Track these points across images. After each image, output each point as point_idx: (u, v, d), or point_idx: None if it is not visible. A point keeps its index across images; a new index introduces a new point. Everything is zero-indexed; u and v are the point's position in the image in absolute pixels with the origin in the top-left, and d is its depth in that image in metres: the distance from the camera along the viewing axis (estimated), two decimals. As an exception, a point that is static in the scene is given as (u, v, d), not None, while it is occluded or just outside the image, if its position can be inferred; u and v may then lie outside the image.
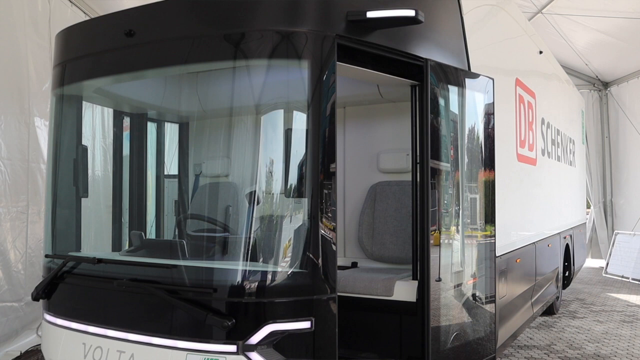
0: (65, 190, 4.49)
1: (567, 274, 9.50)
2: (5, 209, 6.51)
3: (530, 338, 7.84)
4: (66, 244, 4.42)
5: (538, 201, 7.46)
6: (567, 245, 9.03)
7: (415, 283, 4.25)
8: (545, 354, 7.10)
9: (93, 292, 3.88)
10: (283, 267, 3.46)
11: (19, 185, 6.76)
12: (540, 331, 8.18)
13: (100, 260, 3.79)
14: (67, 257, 4.00)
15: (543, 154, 7.40)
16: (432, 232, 4.08)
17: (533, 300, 7.54)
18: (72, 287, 4.00)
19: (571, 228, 9.27)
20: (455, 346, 4.38)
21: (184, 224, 4.38)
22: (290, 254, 3.49)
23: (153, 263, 3.78)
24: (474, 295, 4.62)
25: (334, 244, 3.54)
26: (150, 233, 4.71)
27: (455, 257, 4.44)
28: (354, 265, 5.21)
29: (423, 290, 4.13)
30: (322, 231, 3.46)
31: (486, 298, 4.80)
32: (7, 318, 6.54)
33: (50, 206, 4.43)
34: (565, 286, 9.69)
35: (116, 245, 4.62)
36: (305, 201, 3.46)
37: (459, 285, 4.48)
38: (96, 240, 4.64)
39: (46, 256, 4.22)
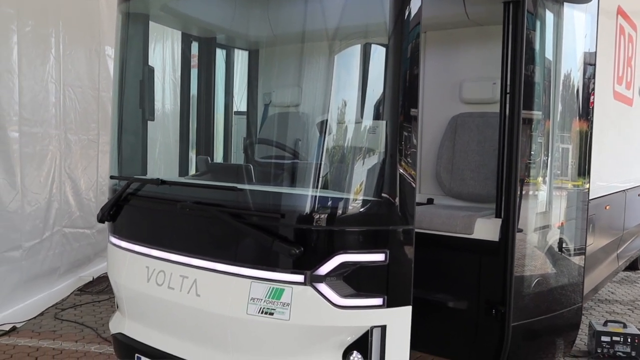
0: (131, 113, 4.33)
1: (656, 228, 8.87)
2: (76, 137, 6.51)
3: (612, 292, 7.41)
4: (132, 167, 4.29)
5: (632, 145, 6.88)
6: (660, 196, 8.36)
7: (499, 221, 3.89)
8: (629, 309, 6.69)
9: (157, 215, 3.74)
10: (357, 194, 3.18)
11: (89, 114, 6.74)
12: (622, 286, 7.72)
13: (163, 182, 3.62)
14: (131, 179, 3.85)
15: (641, 95, 6.76)
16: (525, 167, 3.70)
17: (619, 252, 7.05)
18: (136, 210, 3.87)
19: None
20: (538, 292, 4.03)
21: (252, 150, 4.14)
22: (365, 181, 3.19)
23: (218, 185, 3.58)
24: (561, 241, 4.23)
25: (414, 171, 3.22)
26: (217, 159, 4.52)
27: (544, 196, 4.05)
28: (430, 201, 4.87)
29: (508, 228, 3.77)
30: (401, 157, 3.14)
31: (575, 244, 4.41)
32: (80, 244, 6.64)
33: (116, 128, 4.29)
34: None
35: (183, 171, 4.46)
36: (383, 128, 3.15)
37: (546, 227, 4.10)
38: (162, 165, 4.49)
39: (111, 177, 4.11)
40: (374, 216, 3.16)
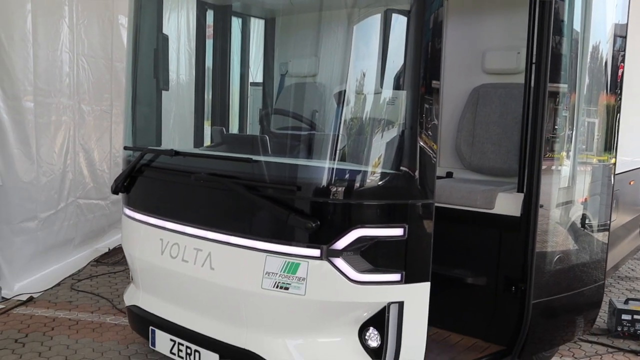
0: (145, 83, 4.25)
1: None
2: (89, 107, 6.46)
3: (632, 269, 7.26)
4: (146, 138, 4.22)
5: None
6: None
7: (521, 196, 3.78)
8: (651, 287, 6.55)
9: (171, 187, 3.68)
10: (376, 167, 3.08)
11: (102, 84, 6.67)
12: (642, 263, 7.58)
13: (177, 153, 3.54)
14: (144, 150, 3.78)
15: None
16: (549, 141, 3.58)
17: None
18: (151, 181, 3.81)
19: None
20: (559, 269, 3.93)
21: (268, 121, 4.05)
22: (384, 154, 3.10)
23: (232, 157, 3.50)
24: (584, 217, 4.12)
25: (434, 144, 3.11)
26: (232, 130, 4.43)
27: (567, 171, 3.92)
28: (449, 175, 4.75)
29: (530, 203, 3.66)
30: (422, 130, 3.03)
31: (599, 220, 4.29)
32: (94, 215, 6.64)
33: (130, 98, 4.21)
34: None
35: (197, 142, 4.39)
36: (403, 99, 3.04)
37: (569, 202, 3.98)
38: (176, 136, 4.42)
39: (125, 148, 4.04)
40: (393, 190, 3.07)
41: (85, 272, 6.29)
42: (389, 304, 3.07)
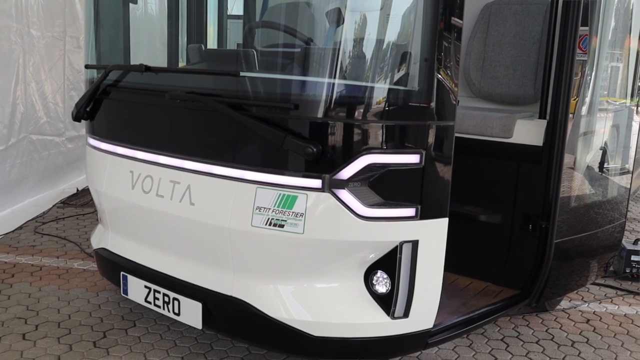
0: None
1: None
2: (39, 33, 5.76)
3: (630, 210, 6.99)
4: (112, 57, 3.64)
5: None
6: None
7: (544, 122, 3.32)
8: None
9: (142, 111, 3.13)
10: (388, 82, 2.58)
11: (53, 8, 5.98)
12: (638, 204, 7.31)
13: (148, 69, 2.98)
14: (110, 66, 3.21)
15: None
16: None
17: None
18: (118, 104, 3.26)
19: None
20: (582, 205, 3.53)
21: (252, 36, 3.48)
22: (398, 67, 2.59)
23: (215, 71, 2.96)
24: (606, 150, 3.70)
25: (457, 55, 2.62)
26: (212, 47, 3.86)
27: (595, 99, 3.47)
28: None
29: (555, 131, 3.21)
30: (442, 34, 2.52)
31: (624, 151, 3.89)
32: (49, 152, 6.06)
33: (92, 10, 3.60)
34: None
35: (172, 62, 3.82)
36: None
37: (593, 133, 3.54)
38: (148, 55, 3.84)
39: (86, 67, 3.46)
40: (408, 109, 2.58)
41: (50, 215, 5.76)
42: (402, 243, 2.62)
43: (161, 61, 3.77)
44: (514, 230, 3.55)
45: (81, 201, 6.18)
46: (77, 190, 6.44)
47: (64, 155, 6.34)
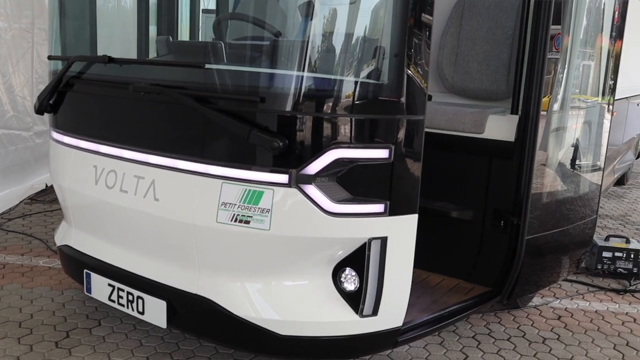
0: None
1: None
2: (6, 24, 5.60)
3: (601, 207, 7.01)
4: (76, 48, 3.53)
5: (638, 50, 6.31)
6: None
7: (515, 118, 3.30)
8: (620, 224, 6.31)
9: (106, 104, 3.04)
10: (356, 75, 2.52)
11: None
12: (610, 201, 7.35)
13: (112, 60, 2.89)
14: (73, 57, 3.11)
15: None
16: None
17: (616, 163, 6.62)
18: (82, 97, 3.16)
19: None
20: (554, 201, 3.51)
21: (221, 29, 3.40)
22: (365, 60, 2.53)
23: (179, 62, 2.88)
24: (578, 147, 3.69)
25: (427, 49, 2.57)
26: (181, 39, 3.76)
27: (567, 95, 3.46)
28: (428, 99, 4.24)
29: (527, 126, 3.19)
30: (412, 30, 2.48)
31: (595, 147, 3.89)
32: (16, 147, 5.91)
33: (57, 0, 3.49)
34: (638, 156, 8.75)
35: (142, 55, 3.73)
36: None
37: (564, 128, 3.53)
38: (114, 47, 3.73)
39: (49, 58, 3.35)
40: (378, 103, 2.53)
41: (17, 211, 5.62)
42: (370, 239, 2.57)
43: (131, 53, 3.68)
44: (485, 227, 3.52)
45: (49, 197, 6.04)
46: (46, 186, 6.29)
47: (32, 150, 6.19)
